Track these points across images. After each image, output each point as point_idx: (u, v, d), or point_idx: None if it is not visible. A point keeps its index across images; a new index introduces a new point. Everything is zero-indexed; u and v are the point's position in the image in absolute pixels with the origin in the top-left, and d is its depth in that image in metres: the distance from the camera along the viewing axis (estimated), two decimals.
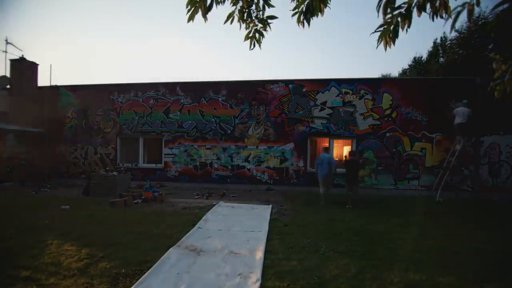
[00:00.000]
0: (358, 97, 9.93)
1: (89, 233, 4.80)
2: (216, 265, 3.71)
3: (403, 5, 1.89)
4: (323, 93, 10.13)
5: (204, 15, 2.29)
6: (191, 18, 2.29)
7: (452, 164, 8.68)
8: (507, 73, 2.35)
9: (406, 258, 3.93)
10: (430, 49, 19.56)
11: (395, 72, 27.43)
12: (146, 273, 3.36)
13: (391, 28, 1.96)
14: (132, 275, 3.37)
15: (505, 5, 1.80)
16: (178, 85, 11.05)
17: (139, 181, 10.25)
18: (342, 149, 11.90)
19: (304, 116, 10.22)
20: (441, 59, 18.54)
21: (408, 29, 1.92)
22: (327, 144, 9.97)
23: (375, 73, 45.83)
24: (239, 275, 3.43)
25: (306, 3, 2.21)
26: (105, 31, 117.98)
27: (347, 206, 7.31)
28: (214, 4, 2.30)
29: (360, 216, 6.34)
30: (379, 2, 1.88)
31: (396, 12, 1.90)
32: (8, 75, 11.28)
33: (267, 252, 4.12)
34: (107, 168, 9.72)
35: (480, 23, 14.66)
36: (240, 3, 2.42)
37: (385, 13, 1.91)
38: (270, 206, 7.26)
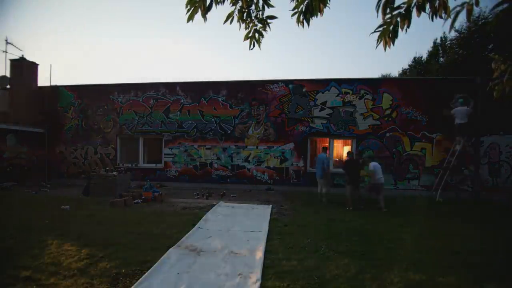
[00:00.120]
0: (358, 97, 9.93)
1: (89, 233, 4.80)
2: (216, 265, 3.71)
3: (402, 5, 1.89)
4: (323, 93, 10.13)
5: (204, 15, 2.29)
6: (190, 18, 2.29)
7: (452, 164, 8.68)
8: (506, 73, 2.36)
9: (406, 258, 3.93)
10: (430, 49, 19.57)
11: (395, 72, 27.45)
12: (146, 273, 3.36)
13: (391, 28, 1.96)
14: (132, 275, 3.37)
15: (505, 5, 1.81)
16: (178, 85, 11.05)
17: (139, 181, 10.25)
18: (342, 149, 11.90)
19: (304, 116, 10.22)
20: (441, 59, 18.54)
21: (408, 29, 1.92)
22: (326, 144, 9.97)
23: (375, 73, 45.89)
24: (239, 275, 3.43)
25: (305, 3, 2.21)
26: (105, 31, 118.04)
27: (347, 208, 7.23)
28: (214, 4, 2.30)
29: (360, 216, 6.34)
30: (378, 2, 1.88)
31: (395, 12, 1.91)
32: (8, 75, 11.29)
33: (267, 252, 4.12)
34: (107, 168, 9.73)
35: (480, 23, 14.65)
36: (240, 3, 2.42)
37: (384, 13, 1.91)
38: (270, 206, 7.26)
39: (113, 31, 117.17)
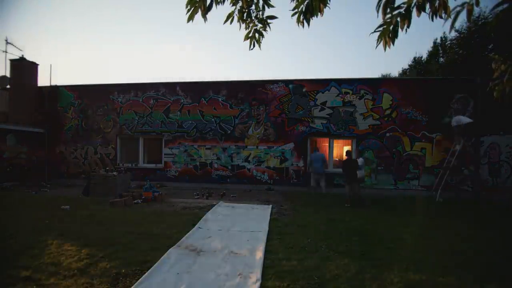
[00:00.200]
0: (358, 97, 9.93)
1: (89, 233, 4.80)
2: (216, 265, 3.71)
3: (402, 5, 1.89)
4: (323, 93, 10.13)
5: (204, 15, 2.29)
6: (190, 18, 2.29)
7: (452, 164, 8.68)
8: (506, 73, 2.35)
9: (406, 258, 3.93)
10: (430, 49, 19.60)
11: (395, 72, 27.48)
12: (146, 273, 3.36)
13: (391, 28, 1.96)
14: (132, 275, 3.37)
15: (505, 5, 1.81)
16: (178, 85, 11.05)
17: (139, 181, 10.25)
18: (342, 149, 11.90)
19: (304, 116, 10.22)
20: (441, 59, 18.55)
21: (408, 29, 1.92)
22: (326, 144, 10.03)
23: (375, 73, 45.83)
24: (239, 275, 3.43)
25: (305, 3, 2.21)
26: (105, 31, 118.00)
27: (346, 205, 7.36)
28: (214, 4, 2.30)
29: (360, 216, 6.33)
30: (378, 2, 1.88)
31: (395, 12, 1.91)
32: (8, 75, 11.28)
33: (267, 252, 4.12)
34: (107, 168, 9.72)
35: (480, 23, 14.66)
36: (240, 3, 2.42)
37: (384, 13, 1.91)
38: (270, 206, 7.26)
39: (113, 31, 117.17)
